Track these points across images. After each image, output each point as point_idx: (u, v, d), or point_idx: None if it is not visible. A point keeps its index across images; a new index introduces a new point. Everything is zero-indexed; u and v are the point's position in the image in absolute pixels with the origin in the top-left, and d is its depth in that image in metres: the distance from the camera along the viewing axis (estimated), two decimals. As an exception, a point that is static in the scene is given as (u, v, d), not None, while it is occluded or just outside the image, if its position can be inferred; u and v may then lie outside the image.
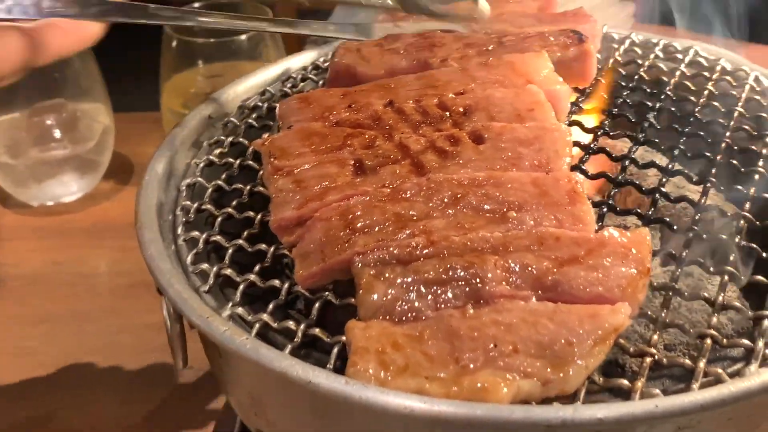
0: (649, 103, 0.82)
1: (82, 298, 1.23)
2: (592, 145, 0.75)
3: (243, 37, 1.36)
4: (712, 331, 0.59)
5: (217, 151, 0.82)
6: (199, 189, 0.78)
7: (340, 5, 1.47)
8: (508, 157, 0.68)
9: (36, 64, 0.71)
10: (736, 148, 0.76)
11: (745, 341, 0.59)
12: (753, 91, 0.85)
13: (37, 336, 1.15)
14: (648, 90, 0.85)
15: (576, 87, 0.84)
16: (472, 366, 0.53)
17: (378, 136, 0.72)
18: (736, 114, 0.80)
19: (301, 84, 0.95)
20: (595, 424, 0.50)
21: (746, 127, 0.79)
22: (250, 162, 0.80)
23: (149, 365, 1.09)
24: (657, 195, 0.70)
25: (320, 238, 0.63)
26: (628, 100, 0.83)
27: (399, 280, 0.59)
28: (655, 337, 0.59)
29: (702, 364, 0.56)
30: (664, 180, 0.72)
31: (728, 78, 0.88)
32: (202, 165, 0.81)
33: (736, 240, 0.65)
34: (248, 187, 0.76)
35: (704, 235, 0.66)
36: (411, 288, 0.58)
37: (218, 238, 0.71)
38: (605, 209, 0.68)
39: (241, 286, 0.66)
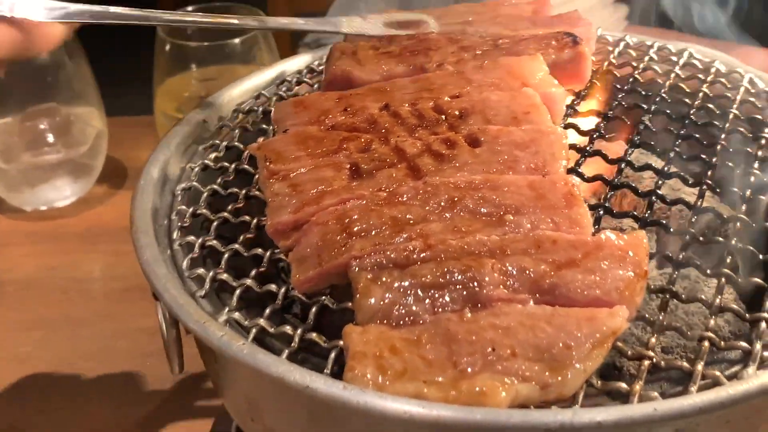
0: (645, 106, 0.82)
1: (76, 303, 1.23)
2: (588, 148, 0.75)
3: (236, 40, 1.36)
4: (710, 334, 0.59)
5: (213, 155, 0.82)
6: (195, 193, 0.78)
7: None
8: (504, 160, 0.68)
9: None
10: (731, 150, 0.76)
11: (743, 344, 0.59)
12: (748, 93, 0.85)
13: (31, 341, 1.15)
14: (643, 92, 0.85)
15: (571, 89, 0.84)
16: (470, 370, 0.53)
17: (374, 140, 0.72)
18: (731, 116, 0.81)
19: (296, 87, 0.95)
20: (594, 427, 0.50)
21: (741, 129, 0.79)
22: (246, 166, 0.79)
23: (144, 370, 1.08)
24: (653, 197, 0.70)
25: (317, 242, 0.63)
26: (623, 103, 0.83)
27: (396, 284, 0.58)
28: (653, 339, 0.59)
29: (700, 366, 0.56)
30: (660, 182, 0.72)
31: (722, 80, 0.88)
32: (197, 169, 0.81)
33: (733, 242, 0.65)
34: (244, 192, 0.76)
35: (701, 238, 0.66)
36: (408, 292, 0.58)
37: (214, 242, 0.71)
38: (602, 212, 0.68)
39: (238, 291, 0.65)
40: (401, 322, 0.57)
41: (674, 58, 0.93)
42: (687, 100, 0.84)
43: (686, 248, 0.65)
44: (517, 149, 0.69)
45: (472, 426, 0.50)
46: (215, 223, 0.73)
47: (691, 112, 0.81)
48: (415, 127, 0.73)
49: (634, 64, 0.92)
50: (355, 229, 0.63)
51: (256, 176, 0.75)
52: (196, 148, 0.85)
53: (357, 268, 0.60)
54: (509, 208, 0.63)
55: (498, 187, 0.65)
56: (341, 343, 0.57)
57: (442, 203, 0.64)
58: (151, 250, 0.68)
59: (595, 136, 0.77)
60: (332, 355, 0.58)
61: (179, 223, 0.74)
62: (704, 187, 0.71)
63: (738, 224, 0.68)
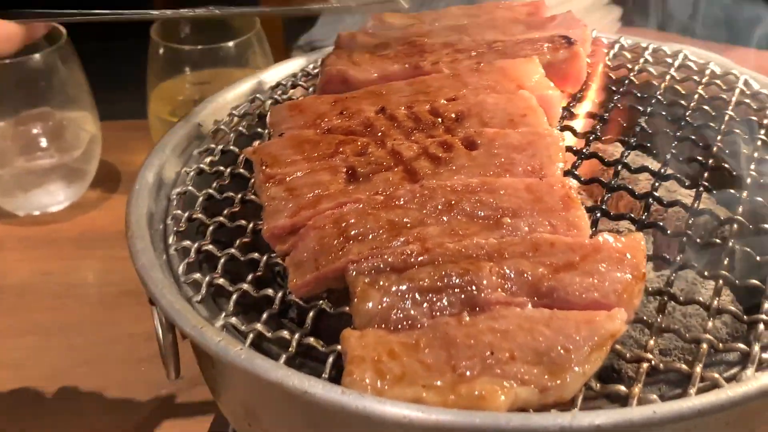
0: (640, 108, 0.82)
1: (70, 309, 1.22)
2: (584, 150, 0.75)
3: (230, 43, 1.35)
4: (708, 336, 0.59)
5: (208, 159, 0.82)
6: (190, 198, 0.77)
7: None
8: (501, 163, 0.68)
9: None
10: (727, 151, 0.76)
11: (741, 345, 0.59)
12: (743, 95, 0.86)
13: (25, 347, 1.14)
14: (638, 94, 0.86)
15: (567, 92, 0.83)
16: (468, 374, 0.53)
17: (370, 143, 0.72)
18: (726, 118, 0.81)
19: (291, 91, 0.95)
20: (593, 431, 0.50)
21: (737, 130, 0.79)
22: (242, 170, 0.79)
23: (139, 375, 1.08)
24: (650, 199, 0.70)
25: (314, 246, 0.63)
26: (619, 105, 0.83)
27: (394, 288, 0.58)
28: (651, 342, 0.59)
29: (698, 368, 0.56)
30: (656, 184, 0.72)
31: (718, 82, 0.88)
32: (192, 173, 0.80)
33: (730, 244, 0.65)
34: (240, 196, 0.75)
35: (698, 240, 0.66)
36: (406, 296, 0.58)
37: (210, 247, 0.70)
38: (599, 214, 0.68)
39: (234, 296, 0.65)
40: (399, 326, 0.56)
41: (669, 60, 0.93)
42: (683, 102, 0.84)
43: (683, 250, 0.65)
44: (514, 152, 0.69)
45: (472, 430, 0.50)
46: (211, 228, 0.72)
47: (687, 113, 0.81)
48: (411, 131, 0.73)
49: (630, 65, 0.92)
50: (352, 233, 0.62)
51: (252, 180, 0.75)
52: (191, 152, 0.85)
53: (354, 272, 0.60)
54: (506, 211, 0.63)
55: (495, 190, 0.64)
56: (339, 347, 0.57)
57: (439, 206, 0.64)
58: (146, 255, 0.68)
59: (591, 138, 0.77)
60: (330, 359, 0.58)
61: (175, 228, 0.73)
62: (701, 188, 0.71)
63: (735, 226, 0.68)
